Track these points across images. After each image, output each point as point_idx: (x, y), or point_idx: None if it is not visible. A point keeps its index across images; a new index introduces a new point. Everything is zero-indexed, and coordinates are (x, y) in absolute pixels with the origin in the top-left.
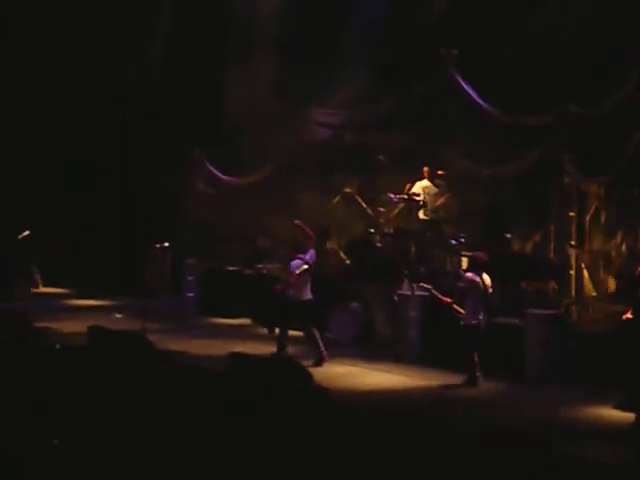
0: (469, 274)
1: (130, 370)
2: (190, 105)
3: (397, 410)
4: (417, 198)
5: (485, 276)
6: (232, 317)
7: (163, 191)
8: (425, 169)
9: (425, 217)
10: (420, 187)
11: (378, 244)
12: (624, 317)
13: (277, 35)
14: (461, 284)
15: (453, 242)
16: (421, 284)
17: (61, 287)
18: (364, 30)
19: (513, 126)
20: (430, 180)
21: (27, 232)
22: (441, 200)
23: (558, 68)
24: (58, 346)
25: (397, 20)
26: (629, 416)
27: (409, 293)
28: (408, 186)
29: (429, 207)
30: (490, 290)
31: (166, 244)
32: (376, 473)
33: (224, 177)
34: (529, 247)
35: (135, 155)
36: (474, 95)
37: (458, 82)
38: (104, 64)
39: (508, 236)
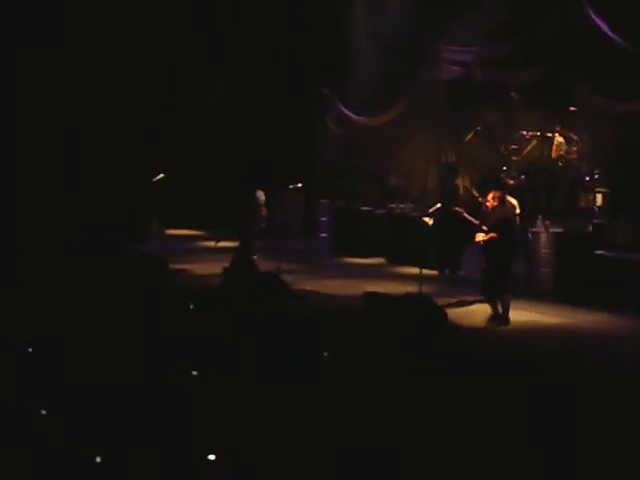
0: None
1: (267, 310)
2: (319, 45)
3: (530, 348)
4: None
5: (510, 199)
6: (365, 257)
7: (295, 132)
8: (557, 128)
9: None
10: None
11: (511, 182)
12: None
13: None
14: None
15: (587, 179)
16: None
17: (194, 229)
18: None
19: None
20: (564, 137)
21: (162, 175)
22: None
23: None
24: (192, 306)
25: None
26: None
27: (543, 231)
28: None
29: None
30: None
31: (299, 185)
32: (511, 411)
33: (355, 116)
34: None
35: (267, 97)
36: (605, 28)
37: (589, 15)
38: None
39: None
